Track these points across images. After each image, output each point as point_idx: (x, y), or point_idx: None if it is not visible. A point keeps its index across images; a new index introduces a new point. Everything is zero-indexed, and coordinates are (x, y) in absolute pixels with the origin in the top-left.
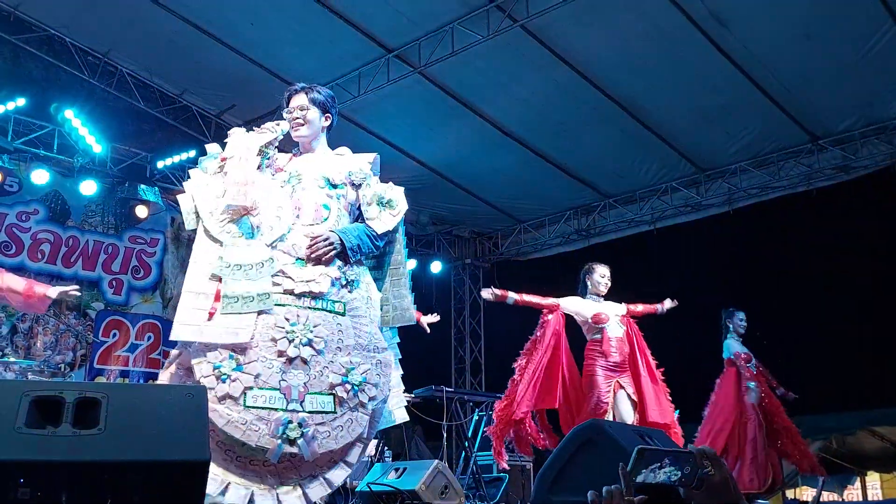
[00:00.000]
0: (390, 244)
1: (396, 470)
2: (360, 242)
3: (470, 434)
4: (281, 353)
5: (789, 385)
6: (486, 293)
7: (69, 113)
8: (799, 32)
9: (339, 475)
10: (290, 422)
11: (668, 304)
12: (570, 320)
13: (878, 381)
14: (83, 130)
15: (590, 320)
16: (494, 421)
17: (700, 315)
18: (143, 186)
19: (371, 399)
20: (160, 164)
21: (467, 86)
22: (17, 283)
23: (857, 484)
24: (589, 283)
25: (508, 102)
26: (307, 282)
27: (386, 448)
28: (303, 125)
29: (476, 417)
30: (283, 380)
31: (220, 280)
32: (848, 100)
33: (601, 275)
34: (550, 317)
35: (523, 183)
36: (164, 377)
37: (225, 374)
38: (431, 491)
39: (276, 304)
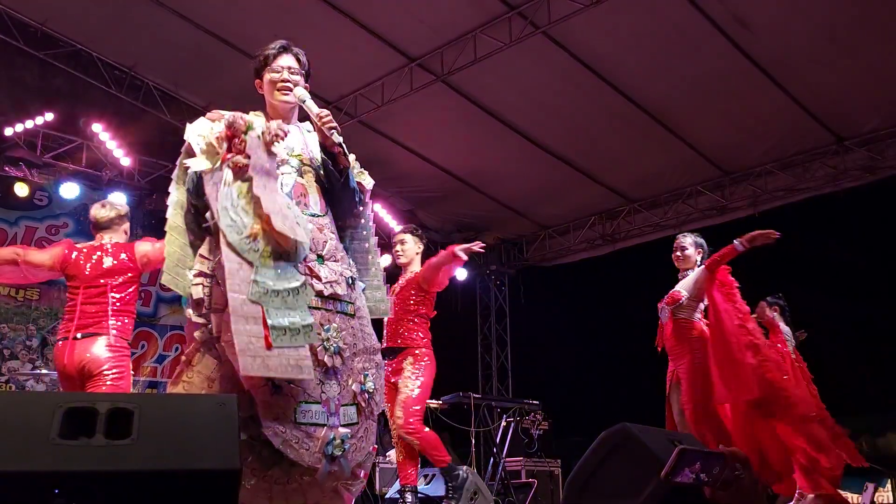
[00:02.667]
0: (353, 230)
1: (426, 476)
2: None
3: (498, 440)
4: (319, 363)
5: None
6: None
7: (97, 126)
8: (821, 32)
9: (358, 488)
10: (335, 438)
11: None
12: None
13: None
14: (111, 144)
15: None
16: None
17: None
18: None
19: (377, 405)
20: None
21: (490, 93)
22: (6, 253)
23: (888, 486)
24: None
25: (531, 109)
26: (331, 283)
27: None
28: (291, 91)
29: (504, 423)
30: (323, 392)
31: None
32: (873, 100)
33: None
34: None
35: (547, 189)
36: (177, 389)
37: (278, 385)
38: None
39: (309, 307)
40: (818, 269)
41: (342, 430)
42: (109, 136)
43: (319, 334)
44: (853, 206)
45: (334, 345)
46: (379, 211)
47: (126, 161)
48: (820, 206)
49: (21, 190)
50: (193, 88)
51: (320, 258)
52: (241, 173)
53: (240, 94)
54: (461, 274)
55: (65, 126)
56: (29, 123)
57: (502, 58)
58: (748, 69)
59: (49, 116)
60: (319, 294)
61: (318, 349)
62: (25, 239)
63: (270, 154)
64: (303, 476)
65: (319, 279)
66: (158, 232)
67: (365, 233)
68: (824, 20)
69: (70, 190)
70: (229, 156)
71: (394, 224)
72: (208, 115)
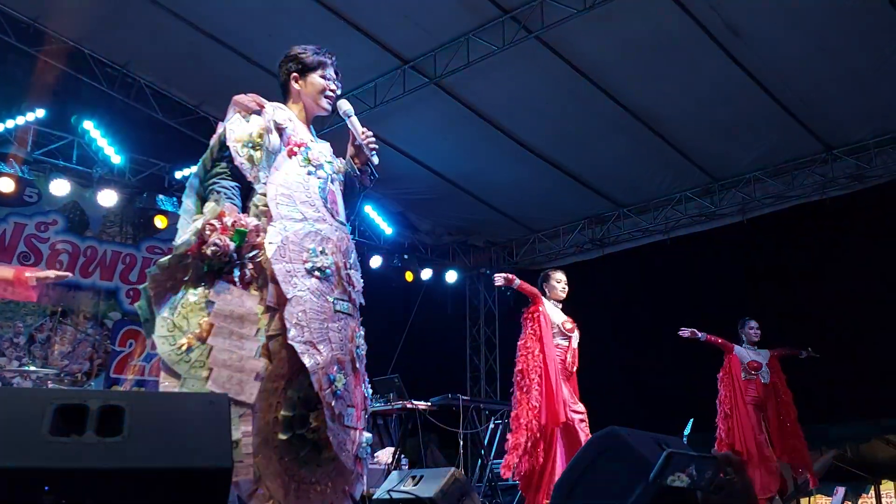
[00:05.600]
0: None
1: (413, 478)
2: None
3: (486, 442)
4: (354, 369)
5: (803, 395)
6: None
7: (88, 124)
8: (813, 43)
9: (360, 489)
10: (363, 441)
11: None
12: None
13: (893, 389)
14: (102, 141)
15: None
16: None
17: (715, 324)
18: (161, 197)
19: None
20: (178, 175)
21: (482, 97)
22: (5, 272)
23: (872, 493)
24: (546, 289)
25: (523, 113)
26: (360, 292)
27: (402, 456)
28: (333, 101)
29: (492, 426)
30: (355, 396)
31: None
32: (862, 110)
33: (557, 280)
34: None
35: (538, 193)
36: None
37: (339, 389)
38: (448, 498)
39: (347, 315)
40: (805, 276)
41: (366, 433)
42: (101, 134)
43: (353, 341)
44: (841, 214)
45: (362, 351)
46: (370, 213)
47: (117, 159)
48: (808, 213)
49: (10, 186)
50: (186, 87)
51: (350, 267)
52: (202, 280)
53: (230, 93)
54: (451, 276)
55: (56, 123)
56: (20, 120)
57: (495, 62)
58: (739, 77)
59: (40, 113)
60: (353, 302)
61: (354, 356)
62: (15, 235)
63: (251, 295)
64: (322, 478)
65: (354, 287)
66: (150, 229)
67: None
68: (815, 30)
69: (60, 187)
70: (208, 248)
71: (385, 227)
72: (239, 101)
